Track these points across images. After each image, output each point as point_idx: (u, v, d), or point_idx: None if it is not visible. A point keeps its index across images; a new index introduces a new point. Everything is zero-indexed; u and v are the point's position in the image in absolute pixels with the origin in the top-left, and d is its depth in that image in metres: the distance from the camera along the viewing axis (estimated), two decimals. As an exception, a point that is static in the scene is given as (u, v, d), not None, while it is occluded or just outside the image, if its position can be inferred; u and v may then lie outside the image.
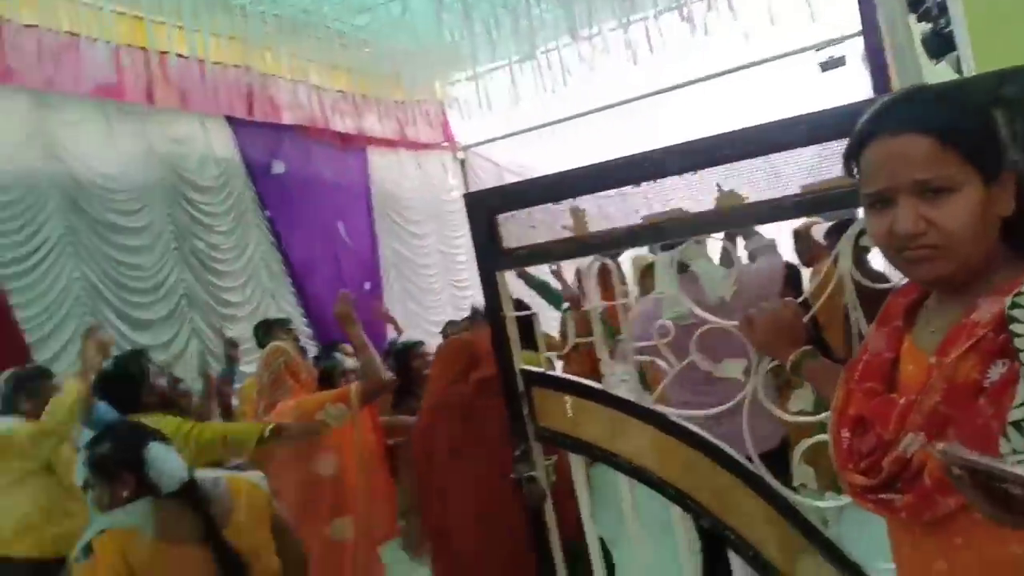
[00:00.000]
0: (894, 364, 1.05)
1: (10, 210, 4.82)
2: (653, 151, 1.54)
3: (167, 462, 1.95)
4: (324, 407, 2.86)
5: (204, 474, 2.10)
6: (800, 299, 1.53)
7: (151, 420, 2.52)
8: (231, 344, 4.65)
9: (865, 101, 1.23)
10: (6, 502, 3.56)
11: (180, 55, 5.56)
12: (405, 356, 4.04)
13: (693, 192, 1.56)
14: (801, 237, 4.16)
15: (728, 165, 1.51)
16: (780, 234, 3.02)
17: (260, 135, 6.54)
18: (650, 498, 3.38)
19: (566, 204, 1.65)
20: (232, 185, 6.31)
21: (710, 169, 1.53)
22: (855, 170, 1.03)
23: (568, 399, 1.86)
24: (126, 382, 3.23)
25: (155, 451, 1.95)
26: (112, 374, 3.29)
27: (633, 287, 3.21)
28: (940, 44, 2.28)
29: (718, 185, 1.53)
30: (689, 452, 1.64)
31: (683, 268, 1.62)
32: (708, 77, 7.33)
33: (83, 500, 3.73)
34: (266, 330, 4.67)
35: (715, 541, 2.29)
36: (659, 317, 1.72)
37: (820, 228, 3.94)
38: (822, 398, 1.28)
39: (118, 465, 1.98)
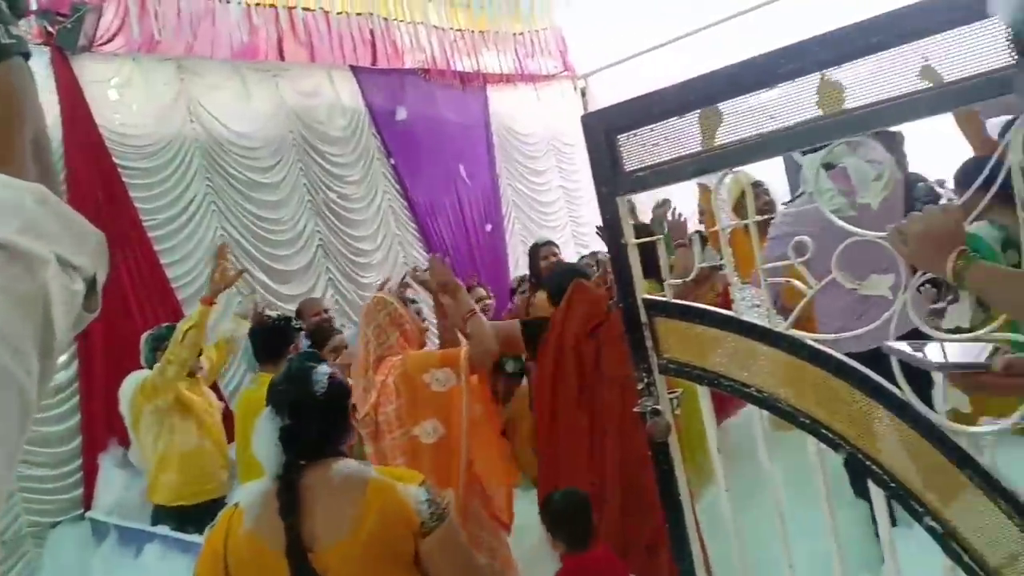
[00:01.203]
0: None
1: (160, 174, 5.10)
2: (790, 45, 1.39)
3: (259, 438, 1.66)
4: (429, 370, 2.72)
5: (350, 467, 1.67)
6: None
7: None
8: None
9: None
10: (150, 449, 3.70)
11: (307, 8, 5.73)
12: (536, 253, 4.74)
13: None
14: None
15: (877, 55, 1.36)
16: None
17: (383, 82, 6.61)
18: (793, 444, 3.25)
19: (691, 118, 1.54)
20: (359, 134, 6.43)
21: (857, 60, 1.38)
22: None
23: (693, 327, 1.79)
24: (270, 336, 3.54)
25: (260, 422, 1.69)
26: (260, 328, 3.61)
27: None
28: None
29: (822, 75, 1.38)
30: (825, 377, 1.53)
31: (827, 167, 1.49)
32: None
33: (222, 445, 3.89)
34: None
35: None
36: (796, 233, 1.59)
37: (994, 124, 3.46)
38: (987, 308, 1.14)
39: None
